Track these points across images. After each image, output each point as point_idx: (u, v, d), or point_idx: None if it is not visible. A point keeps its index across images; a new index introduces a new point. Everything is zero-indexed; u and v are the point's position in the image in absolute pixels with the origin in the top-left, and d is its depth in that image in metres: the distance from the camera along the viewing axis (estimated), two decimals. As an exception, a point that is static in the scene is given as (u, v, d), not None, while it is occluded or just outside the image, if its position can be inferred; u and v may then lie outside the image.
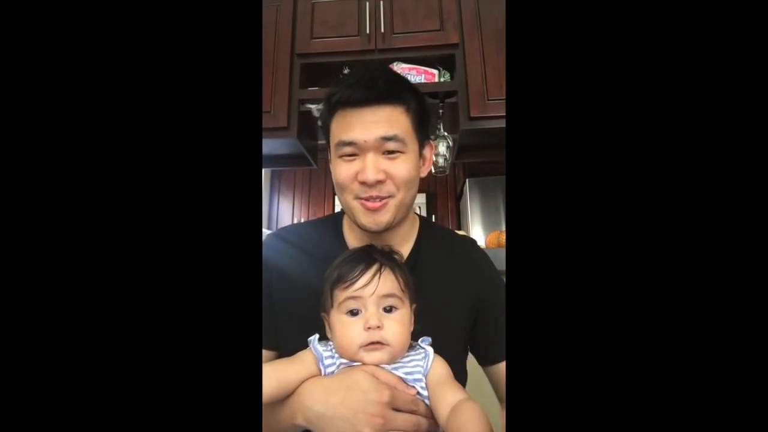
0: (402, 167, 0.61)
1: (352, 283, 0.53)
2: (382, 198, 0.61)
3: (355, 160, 0.61)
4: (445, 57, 1.66)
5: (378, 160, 0.60)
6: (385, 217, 0.61)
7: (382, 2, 1.69)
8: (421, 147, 0.66)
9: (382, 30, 1.66)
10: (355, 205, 0.62)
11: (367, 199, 0.61)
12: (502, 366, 0.67)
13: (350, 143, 0.60)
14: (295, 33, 1.71)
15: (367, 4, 1.68)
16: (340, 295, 0.53)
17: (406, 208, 0.65)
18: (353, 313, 0.53)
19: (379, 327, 0.51)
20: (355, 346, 0.52)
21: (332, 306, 0.55)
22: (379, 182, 0.60)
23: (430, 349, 0.55)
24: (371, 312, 0.52)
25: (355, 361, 0.53)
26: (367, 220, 0.62)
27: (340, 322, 0.53)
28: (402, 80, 0.64)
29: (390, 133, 0.59)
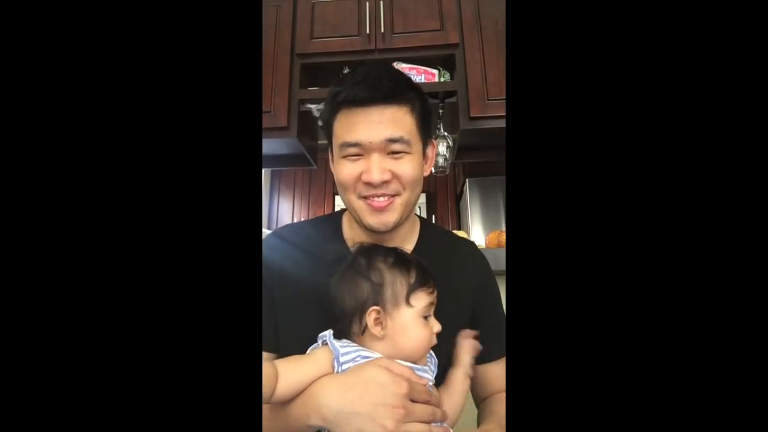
0: (407, 167, 0.60)
1: (432, 292, 0.56)
2: (387, 196, 0.60)
3: (359, 160, 0.60)
4: (445, 57, 1.66)
5: (383, 161, 0.59)
6: (392, 217, 0.61)
7: (382, 2, 1.68)
8: (425, 146, 0.65)
9: (382, 30, 1.66)
10: (360, 204, 0.61)
11: (372, 198, 0.60)
12: (488, 366, 0.68)
13: (355, 144, 0.59)
14: (295, 33, 1.71)
15: (367, 4, 1.68)
16: (425, 298, 0.55)
17: (411, 208, 0.65)
18: (426, 317, 0.56)
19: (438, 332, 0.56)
20: (425, 350, 0.56)
21: (409, 305, 0.54)
22: (385, 182, 0.59)
23: (431, 353, 0.58)
24: (434, 319, 0.56)
25: (419, 365, 0.55)
26: (374, 221, 0.61)
27: (419, 325, 0.55)
28: (406, 79, 0.63)
29: (396, 134, 0.58)
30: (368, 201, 0.61)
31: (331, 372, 0.53)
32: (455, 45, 1.63)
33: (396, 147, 0.59)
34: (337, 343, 0.54)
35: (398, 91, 0.59)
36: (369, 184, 0.59)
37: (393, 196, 0.61)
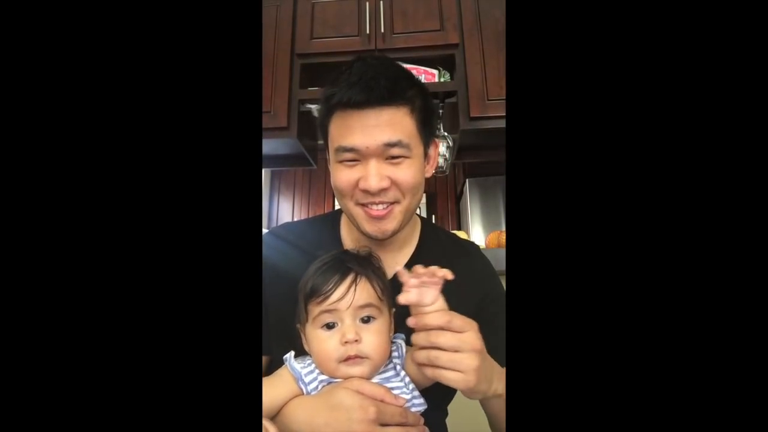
0: (407, 173, 0.57)
1: (327, 297, 0.51)
2: (386, 204, 0.58)
3: (356, 165, 0.57)
4: (445, 57, 1.66)
5: (381, 167, 0.56)
6: (390, 225, 0.59)
7: (382, 2, 1.69)
8: (427, 147, 0.62)
9: (382, 30, 1.66)
10: (358, 211, 0.59)
11: (370, 206, 0.58)
12: None
13: (351, 149, 0.56)
14: (295, 33, 1.72)
15: (367, 4, 1.68)
16: (315, 309, 0.52)
17: (412, 213, 0.63)
18: (329, 326, 0.51)
19: (356, 341, 0.50)
20: (333, 362, 0.50)
21: (307, 320, 0.53)
22: (383, 190, 0.57)
23: (401, 341, 0.55)
24: (347, 325, 0.50)
25: (335, 377, 0.51)
26: (372, 229, 0.59)
27: (316, 337, 0.52)
28: (407, 76, 0.59)
29: (394, 138, 0.55)
30: (366, 208, 0.58)
31: (300, 393, 0.52)
32: (455, 45, 1.63)
33: (395, 151, 0.56)
34: (298, 365, 0.53)
35: (397, 92, 0.56)
36: (366, 192, 0.57)
37: (392, 203, 0.58)
